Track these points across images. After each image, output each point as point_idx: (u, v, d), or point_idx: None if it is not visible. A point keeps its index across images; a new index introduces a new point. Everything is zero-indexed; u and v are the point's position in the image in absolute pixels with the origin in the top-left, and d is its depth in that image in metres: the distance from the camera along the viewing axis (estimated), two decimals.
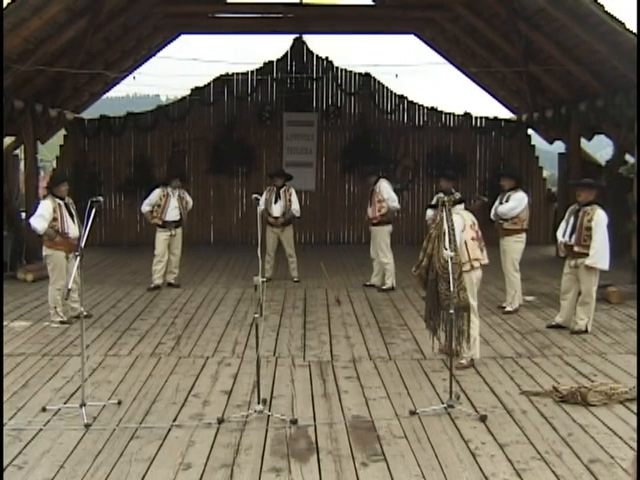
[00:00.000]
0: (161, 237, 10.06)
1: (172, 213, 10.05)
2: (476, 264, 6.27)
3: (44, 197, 8.24)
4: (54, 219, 7.79)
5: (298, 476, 4.11)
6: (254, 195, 5.69)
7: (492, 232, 8.85)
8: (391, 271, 10.00)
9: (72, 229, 7.87)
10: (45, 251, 7.93)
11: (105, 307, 8.85)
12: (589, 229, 7.27)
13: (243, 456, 4.37)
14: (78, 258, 5.28)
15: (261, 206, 10.03)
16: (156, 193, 10.07)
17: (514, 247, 8.47)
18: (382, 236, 10.00)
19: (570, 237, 7.43)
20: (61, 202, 7.91)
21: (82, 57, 11.92)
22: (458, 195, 8.69)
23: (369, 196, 10.18)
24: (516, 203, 8.43)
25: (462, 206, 6.49)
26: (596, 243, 7.20)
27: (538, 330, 7.67)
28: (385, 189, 9.96)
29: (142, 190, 14.83)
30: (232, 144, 15.41)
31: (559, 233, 7.70)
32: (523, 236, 8.53)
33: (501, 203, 8.58)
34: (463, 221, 6.24)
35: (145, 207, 10.14)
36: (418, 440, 4.62)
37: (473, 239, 6.27)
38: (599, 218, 7.26)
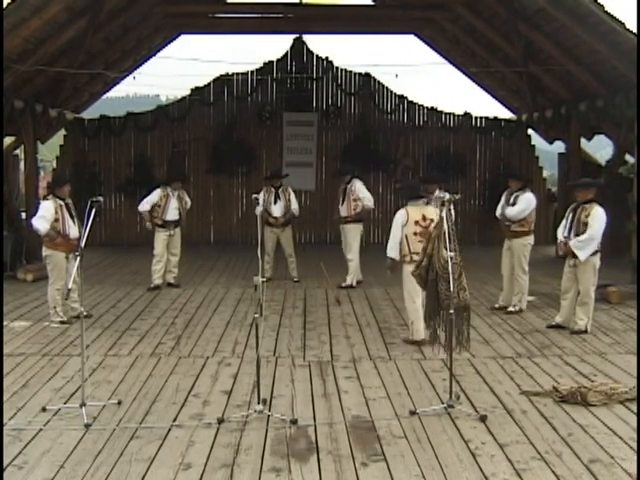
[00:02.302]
0: (160, 237, 10.06)
1: (172, 213, 10.07)
2: (415, 257, 6.75)
3: (45, 197, 8.23)
4: (55, 220, 7.78)
5: (298, 476, 4.11)
6: (254, 195, 5.71)
7: (494, 232, 8.86)
8: (354, 269, 10.20)
9: (72, 230, 7.87)
10: (45, 251, 7.93)
11: (105, 307, 8.85)
12: (586, 225, 7.28)
13: (243, 456, 4.37)
14: (78, 258, 5.28)
15: (260, 207, 10.04)
16: (157, 193, 10.07)
17: (522, 249, 8.44)
18: (354, 234, 10.20)
19: (568, 234, 7.45)
20: (62, 203, 7.91)
21: (82, 57, 11.93)
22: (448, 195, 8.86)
23: (341, 195, 10.33)
24: (525, 205, 8.37)
25: (415, 202, 7.07)
26: (586, 234, 7.26)
27: (538, 330, 7.67)
28: (360, 189, 10.22)
29: (142, 190, 14.81)
30: (232, 144, 15.40)
31: (559, 232, 7.71)
32: (531, 238, 8.51)
33: (507, 203, 8.56)
34: (406, 216, 6.93)
35: (145, 205, 10.07)
36: (418, 440, 4.62)
37: (415, 234, 6.91)
38: (597, 214, 7.29)
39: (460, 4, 12.86)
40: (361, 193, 10.16)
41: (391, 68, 32.48)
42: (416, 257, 6.76)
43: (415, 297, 7.05)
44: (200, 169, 15.54)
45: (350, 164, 11.73)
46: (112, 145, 15.51)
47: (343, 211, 10.26)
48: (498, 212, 8.73)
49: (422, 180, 9.71)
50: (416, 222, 6.96)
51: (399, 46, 48.54)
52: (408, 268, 6.90)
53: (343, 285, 10.06)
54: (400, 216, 7.04)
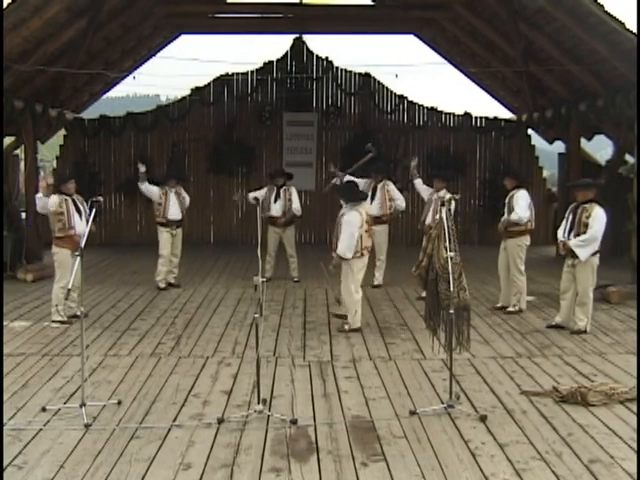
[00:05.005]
0: (164, 236, 10.03)
1: (174, 211, 10.05)
2: (365, 252, 7.53)
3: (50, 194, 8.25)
4: (60, 213, 7.84)
5: (298, 476, 4.11)
6: (252, 195, 5.71)
7: (494, 232, 8.84)
8: (384, 268, 10.33)
9: (79, 225, 7.89)
10: (53, 249, 8.01)
11: (105, 307, 8.85)
12: (587, 225, 7.27)
13: (243, 456, 4.37)
14: (78, 258, 5.28)
15: (260, 207, 10.01)
16: (156, 191, 10.05)
17: (517, 250, 8.42)
18: (385, 234, 10.23)
19: (569, 234, 7.44)
20: (68, 198, 7.96)
21: (82, 57, 11.93)
22: (449, 195, 8.91)
23: (369, 194, 9.98)
24: (523, 203, 8.29)
25: (362, 203, 7.62)
26: (588, 234, 7.25)
27: (538, 330, 7.67)
28: (394, 190, 10.25)
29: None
30: (232, 144, 15.41)
31: (559, 232, 7.70)
32: (526, 238, 8.47)
33: (503, 205, 8.50)
34: (361, 218, 7.39)
35: (146, 189, 10.01)
36: (418, 440, 4.62)
37: (366, 231, 7.51)
38: (597, 214, 7.29)
39: (460, 4, 12.87)
40: (396, 194, 10.18)
41: (391, 68, 32.57)
42: (365, 252, 7.53)
43: (358, 289, 7.59)
44: (200, 169, 15.54)
45: (383, 164, 11.37)
46: (112, 145, 15.51)
47: (374, 210, 9.82)
48: (503, 219, 8.60)
49: (433, 176, 9.69)
50: (366, 222, 7.51)
51: (399, 46, 48.52)
52: (358, 263, 7.50)
53: (376, 284, 10.10)
54: (355, 218, 7.36)
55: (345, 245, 7.35)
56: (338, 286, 7.80)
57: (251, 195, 10.38)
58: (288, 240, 10.63)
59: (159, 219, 10.06)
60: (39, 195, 7.92)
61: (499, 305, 8.70)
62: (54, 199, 7.88)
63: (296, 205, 10.56)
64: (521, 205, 8.30)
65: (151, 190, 10.06)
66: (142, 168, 9.99)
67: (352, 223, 7.35)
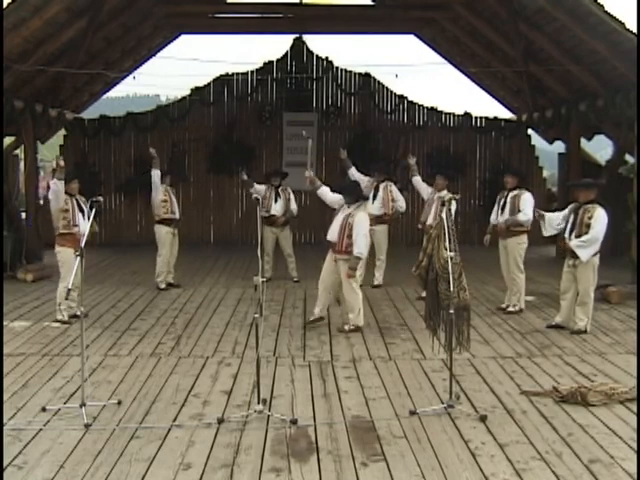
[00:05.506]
0: (165, 235, 10.00)
1: (176, 210, 10.06)
2: None
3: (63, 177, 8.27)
4: (66, 210, 7.88)
5: (298, 476, 4.11)
6: (254, 195, 5.71)
7: (494, 232, 8.85)
8: (384, 268, 10.35)
9: (82, 224, 7.91)
10: (56, 248, 8.03)
11: (105, 307, 8.85)
12: (589, 226, 7.27)
13: (243, 456, 4.37)
14: (78, 258, 5.28)
15: (260, 206, 10.01)
16: (161, 189, 10.03)
17: (517, 248, 8.42)
18: (385, 234, 10.24)
19: (570, 234, 7.43)
20: (72, 197, 7.99)
21: (82, 57, 11.94)
22: (450, 195, 8.87)
23: (371, 193, 9.95)
24: (531, 205, 8.31)
25: (366, 203, 7.92)
26: (589, 235, 7.24)
27: (538, 330, 7.67)
28: (396, 191, 10.25)
29: (142, 190, 14.88)
30: (232, 144, 15.41)
31: (552, 216, 7.76)
32: (526, 237, 8.50)
33: (504, 204, 8.50)
34: (368, 218, 7.65)
35: (156, 178, 9.87)
36: (418, 440, 4.62)
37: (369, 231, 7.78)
38: (599, 215, 7.28)
39: (460, 4, 12.87)
40: (398, 196, 10.19)
41: (391, 68, 32.57)
42: None
43: (358, 286, 7.76)
44: (200, 169, 15.55)
45: (384, 164, 11.42)
46: (112, 145, 15.52)
47: (374, 210, 9.80)
48: (493, 218, 8.64)
49: (435, 173, 9.68)
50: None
51: (399, 46, 48.48)
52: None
53: (376, 284, 10.12)
54: (365, 219, 7.59)
55: (362, 245, 7.48)
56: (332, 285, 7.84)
57: (256, 187, 10.45)
58: (285, 240, 10.64)
59: (166, 215, 9.97)
60: (54, 180, 7.93)
61: (504, 305, 8.68)
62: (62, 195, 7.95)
63: (294, 205, 10.63)
64: (529, 207, 8.32)
65: (158, 184, 9.98)
66: (154, 153, 9.84)
67: (364, 224, 7.51)
